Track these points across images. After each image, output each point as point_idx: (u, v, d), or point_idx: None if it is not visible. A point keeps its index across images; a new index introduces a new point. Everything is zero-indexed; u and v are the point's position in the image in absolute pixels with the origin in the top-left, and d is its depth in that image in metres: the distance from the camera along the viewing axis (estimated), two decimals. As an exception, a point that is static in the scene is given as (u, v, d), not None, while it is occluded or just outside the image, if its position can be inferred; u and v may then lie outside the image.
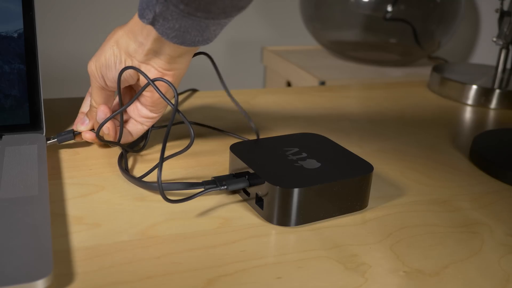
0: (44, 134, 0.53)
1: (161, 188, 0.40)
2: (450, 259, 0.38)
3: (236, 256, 0.37)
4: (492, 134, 0.61)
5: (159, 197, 0.44)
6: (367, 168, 0.44)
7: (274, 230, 0.40)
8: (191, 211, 0.42)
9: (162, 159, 0.41)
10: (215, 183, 0.43)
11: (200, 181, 0.43)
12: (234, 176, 0.44)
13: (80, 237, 0.38)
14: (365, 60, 1.32)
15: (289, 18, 1.65)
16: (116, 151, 0.53)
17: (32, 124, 0.53)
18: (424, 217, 0.44)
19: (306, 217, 0.41)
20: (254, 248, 0.38)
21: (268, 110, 0.68)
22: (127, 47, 0.45)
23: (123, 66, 0.46)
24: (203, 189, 0.43)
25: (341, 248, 0.39)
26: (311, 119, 0.66)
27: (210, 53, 0.58)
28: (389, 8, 1.20)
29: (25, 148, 0.48)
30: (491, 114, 0.74)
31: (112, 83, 0.47)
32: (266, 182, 0.40)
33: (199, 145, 0.56)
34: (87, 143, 0.54)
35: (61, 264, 0.35)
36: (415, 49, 1.26)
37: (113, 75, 0.46)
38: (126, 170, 0.47)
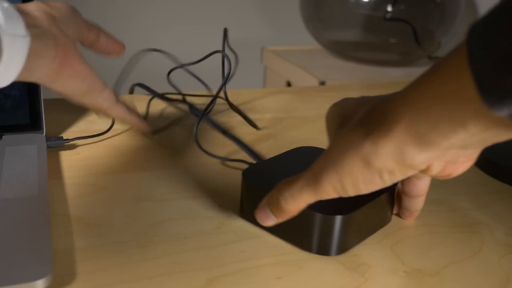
0: (44, 134, 0.53)
1: None
2: (450, 259, 0.38)
3: (236, 256, 0.37)
4: (492, 134, 0.61)
5: (159, 197, 0.44)
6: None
7: (274, 230, 0.40)
8: (191, 211, 0.42)
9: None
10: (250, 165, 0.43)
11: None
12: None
13: (80, 237, 0.38)
14: (365, 60, 1.32)
15: (289, 18, 1.65)
16: (115, 151, 0.53)
17: (32, 124, 0.53)
18: (424, 217, 0.44)
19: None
20: (254, 248, 0.38)
21: (268, 110, 0.68)
22: (409, 158, 0.31)
23: (394, 178, 0.32)
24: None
25: (341, 248, 0.39)
26: (311, 119, 0.66)
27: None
28: (389, 8, 1.20)
29: (25, 148, 0.48)
30: (491, 114, 0.73)
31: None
32: None
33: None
34: (86, 144, 0.54)
35: (61, 264, 0.35)
36: (415, 49, 1.26)
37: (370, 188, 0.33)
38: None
